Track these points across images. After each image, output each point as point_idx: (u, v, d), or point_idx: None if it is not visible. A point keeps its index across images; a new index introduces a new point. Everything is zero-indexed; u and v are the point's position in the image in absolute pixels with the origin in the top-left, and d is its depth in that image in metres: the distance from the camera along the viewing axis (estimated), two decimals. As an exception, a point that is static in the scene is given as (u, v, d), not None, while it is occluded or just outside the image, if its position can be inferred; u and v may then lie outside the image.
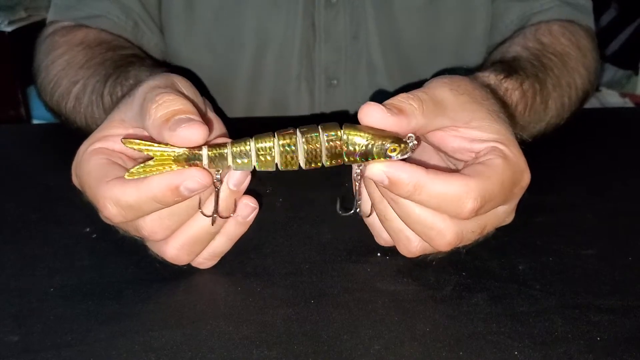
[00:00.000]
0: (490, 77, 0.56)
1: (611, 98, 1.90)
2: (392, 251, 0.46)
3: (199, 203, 0.41)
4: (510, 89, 0.57)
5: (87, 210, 0.43)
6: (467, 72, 0.56)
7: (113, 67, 0.62)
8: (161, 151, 0.38)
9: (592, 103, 0.70)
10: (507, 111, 0.50)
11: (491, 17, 0.77)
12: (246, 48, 0.77)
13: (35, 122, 1.90)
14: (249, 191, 0.42)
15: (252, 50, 0.77)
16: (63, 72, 0.66)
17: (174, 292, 0.44)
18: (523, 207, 0.44)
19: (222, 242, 0.44)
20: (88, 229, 0.50)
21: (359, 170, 0.40)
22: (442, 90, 0.42)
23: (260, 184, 0.55)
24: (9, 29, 1.83)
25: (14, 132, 0.79)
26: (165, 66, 0.69)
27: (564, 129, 0.66)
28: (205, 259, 0.45)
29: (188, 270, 0.45)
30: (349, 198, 0.45)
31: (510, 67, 0.59)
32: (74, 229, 0.51)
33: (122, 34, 0.72)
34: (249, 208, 0.43)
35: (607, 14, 2.13)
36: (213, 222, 0.42)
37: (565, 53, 0.66)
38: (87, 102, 0.62)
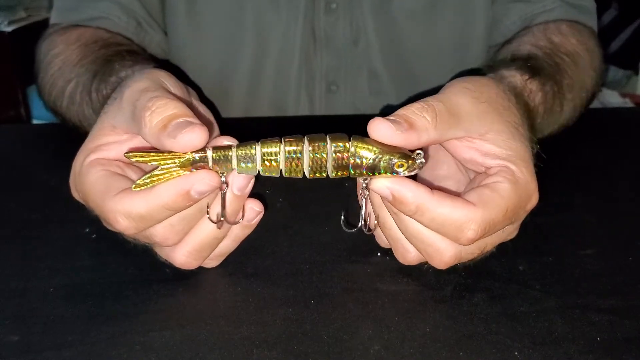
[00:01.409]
0: (516, 77, 0.55)
1: (611, 98, 1.90)
2: (392, 251, 0.46)
3: (207, 207, 0.41)
4: (534, 90, 0.56)
5: (87, 210, 0.43)
6: (489, 68, 0.55)
7: (102, 63, 0.62)
8: (164, 159, 0.38)
9: (592, 103, 0.70)
10: (530, 116, 0.49)
11: (492, 18, 0.77)
12: (245, 52, 0.77)
13: (35, 122, 1.90)
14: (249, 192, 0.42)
15: (251, 55, 0.77)
16: (59, 72, 0.66)
17: (174, 292, 0.44)
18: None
19: (227, 244, 0.44)
20: (88, 229, 0.50)
21: (365, 185, 0.40)
22: (462, 98, 0.41)
23: (261, 184, 0.55)
24: (9, 29, 1.83)
25: (14, 132, 0.78)
26: (154, 61, 0.69)
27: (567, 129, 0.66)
28: (210, 259, 0.45)
29: (188, 271, 0.45)
30: (352, 209, 0.45)
31: (533, 68, 0.58)
32: (74, 229, 0.51)
33: (123, 34, 0.72)
34: (253, 212, 0.43)
35: (607, 14, 2.13)
36: (220, 227, 0.42)
37: (576, 53, 0.66)
38: (79, 100, 0.62)
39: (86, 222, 0.50)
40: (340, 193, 0.53)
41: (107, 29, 0.71)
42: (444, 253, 0.40)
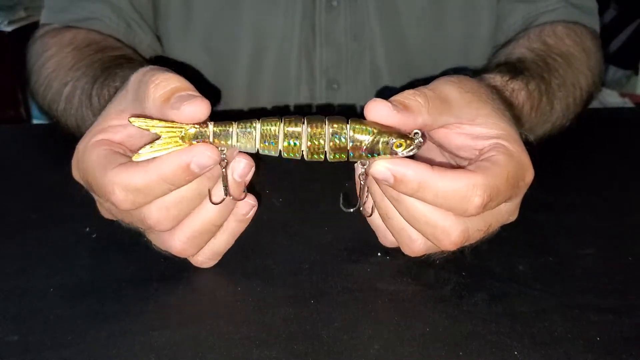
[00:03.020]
0: (496, 79, 0.56)
1: (611, 98, 1.90)
2: (392, 251, 0.46)
3: (209, 192, 0.41)
4: (517, 89, 0.57)
5: (87, 210, 0.43)
6: (473, 73, 0.56)
7: (101, 68, 0.62)
8: (167, 129, 0.38)
9: (592, 103, 0.71)
10: (513, 112, 0.50)
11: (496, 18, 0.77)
12: (243, 50, 0.76)
13: (35, 122, 1.90)
14: (248, 190, 0.42)
15: (249, 53, 0.77)
16: (53, 74, 0.66)
17: (174, 292, 0.44)
18: (523, 206, 0.44)
19: (223, 240, 0.44)
20: (88, 229, 0.50)
21: (363, 170, 0.40)
22: (448, 87, 0.42)
23: (261, 185, 0.55)
24: (9, 28, 1.84)
25: (14, 132, 0.79)
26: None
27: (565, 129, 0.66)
28: (207, 258, 0.45)
29: (188, 270, 0.45)
30: (352, 195, 0.45)
31: (515, 69, 0.59)
32: (74, 228, 0.51)
33: (114, 35, 0.72)
34: (248, 205, 0.43)
35: (607, 14, 2.13)
36: (221, 202, 0.41)
37: (569, 54, 0.66)
38: (77, 103, 0.62)
39: (86, 221, 0.50)
40: (339, 193, 0.53)
41: (98, 31, 0.71)
42: (452, 232, 0.40)
